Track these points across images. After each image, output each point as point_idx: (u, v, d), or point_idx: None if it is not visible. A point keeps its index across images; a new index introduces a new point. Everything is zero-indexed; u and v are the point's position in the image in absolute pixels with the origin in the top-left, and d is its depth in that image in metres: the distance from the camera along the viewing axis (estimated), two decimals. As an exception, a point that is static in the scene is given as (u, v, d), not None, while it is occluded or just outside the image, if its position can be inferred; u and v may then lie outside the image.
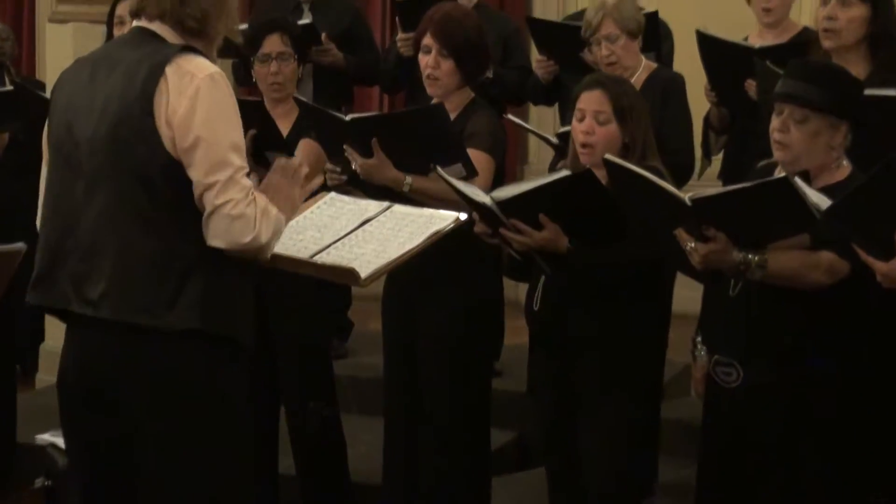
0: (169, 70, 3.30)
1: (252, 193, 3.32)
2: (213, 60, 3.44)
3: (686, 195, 3.66)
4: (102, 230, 3.34)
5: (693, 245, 3.70)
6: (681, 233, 3.72)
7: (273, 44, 5.09)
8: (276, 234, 3.40)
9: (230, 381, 3.44)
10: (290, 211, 3.52)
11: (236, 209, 3.27)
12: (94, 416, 3.42)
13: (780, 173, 3.90)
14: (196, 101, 3.27)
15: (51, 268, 3.45)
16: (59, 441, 4.17)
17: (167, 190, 3.30)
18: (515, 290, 5.63)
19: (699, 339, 4.11)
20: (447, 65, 4.63)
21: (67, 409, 3.51)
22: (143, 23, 3.44)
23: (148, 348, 3.34)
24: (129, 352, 3.35)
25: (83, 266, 3.37)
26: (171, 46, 3.36)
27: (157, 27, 3.41)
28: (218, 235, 3.29)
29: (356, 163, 4.51)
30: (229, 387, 3.44)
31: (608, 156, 3.91)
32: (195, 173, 3.27)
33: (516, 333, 5.45)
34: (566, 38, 5.58)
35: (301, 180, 3.57)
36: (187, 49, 3.36)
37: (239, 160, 3.32)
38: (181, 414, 3.36)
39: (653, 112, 4.89)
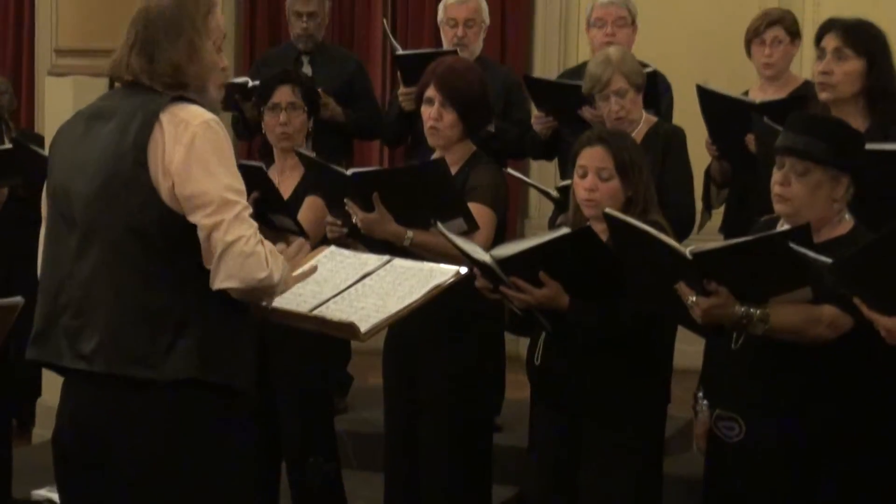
0: (164, 118, 3.29)
1: (259, 234, 3.29)
2: (210, 104, 3.43)
3: (687, 249, 3.64)
4: (96, 284, 3.32)
5: (694, 299, 3.68)
6: (682, 287, 3.70)
7: (283, 94, 5.11)
8: (285, 279, 3.37)
9: (228, 432, 3.41)
10: (289, 280, 3.47)
11: (248, 246, 3.24)
12: (89, 471, 3.39)
13: (782, 227, 3.89)
14: (192, 147, 3.25)
15: (47, 324, 3.43)
16: (55, 496, 4.12)
17: (162, 241, 3.28)
18: (516, 345, 5.62)
19: (700, 394, 4.08)
20: (450, 116, 4.63)
21: (62, 464, 3.48)
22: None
23: (143, 401, 3.30)
24: (124, 406, 3.32)
25: (77, 321, 3.35)
26: (164, 96, 3.34)
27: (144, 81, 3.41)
28: (232, 274, 3.24)
29: (357, 217, 4.50)
30: (228, 438, 3.40)
31: (608, 210, 3.91)
32: (200, 217, 3.25)
33: (517, 388, 5.44)
34: (565, 96, 5.59)
35: (297, 267, 3.55)
36: (180, 98, 3.35)
37: (242, 200, 3.30)
38: (179, 467, 3.32)
39: (654, 166, 4.89)
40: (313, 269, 3.65)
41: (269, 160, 5.18)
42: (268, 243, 3.33)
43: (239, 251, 3.23)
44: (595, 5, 6.06)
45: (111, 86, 5.25)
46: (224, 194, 3.25)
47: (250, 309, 3.47)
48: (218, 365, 3.34)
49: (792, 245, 3.51)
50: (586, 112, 5.37)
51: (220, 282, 3.27)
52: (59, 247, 3.42)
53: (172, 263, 3.29)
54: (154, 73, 3.37)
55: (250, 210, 3.32)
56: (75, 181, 3.38)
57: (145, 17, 3.40)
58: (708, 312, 3.67)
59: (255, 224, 3.30)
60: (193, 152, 3.25)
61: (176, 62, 3.37)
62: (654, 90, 5.57)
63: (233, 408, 3.41)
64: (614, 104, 5.13)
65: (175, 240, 3.28)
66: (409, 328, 4.31)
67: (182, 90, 3.38)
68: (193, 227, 3.28)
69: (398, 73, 6.27)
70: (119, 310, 3.30)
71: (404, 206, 4.45)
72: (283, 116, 5.09)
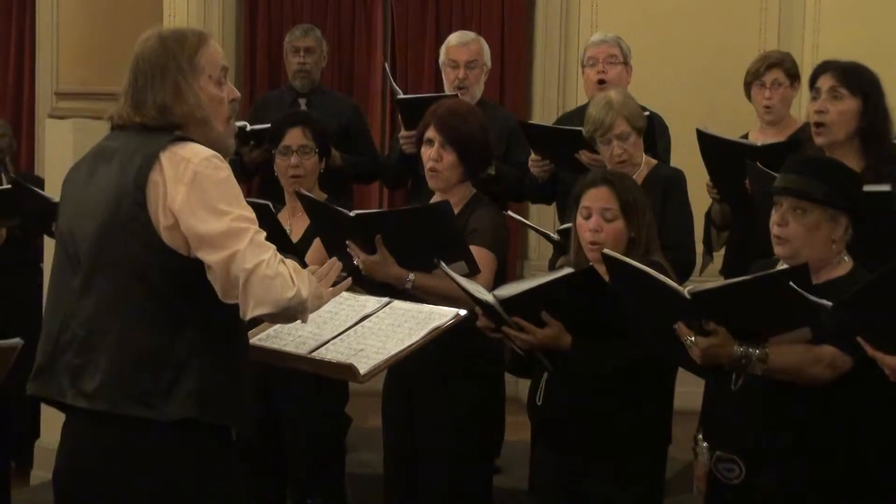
0: (163, 157, 3.29)
1: (278, 254, 3.28)
2: (217, 139, 3.43)
3: (685, 289, 3.64)
4: (99, 323, 3.33)
5: (693, 339, 3.67)
6: (681, 326, 3.70)
7: (294, 137, 5.13)
8: (313, 294, 3.34)
9: (228, 471, 3.41)
10: (316, 302, 3.45)
11: (270, 269, 3.22)
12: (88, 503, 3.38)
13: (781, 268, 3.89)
14: (194, 185, 3.25)
15: (50, 360, 3.43)
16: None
17: (162, 282, 3.29)
18: (515, 386, 5.61)
19: (700, 436, 4.07)
20: (449, 158, 4.63)
21: (61, 497, 3.47)
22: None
23: (143, 441, 3.30)
24: (124, 444, 3.31)
25: (79, 359, 3.35)
26: (165, 136, 3.35)
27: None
28: (260, 301, 3.22)
29: (358, 259, 4.49)
30: (227, 478, 3.40)
31: (606, 251, 3.91)
32: (211, 255, 3.23)
33: (517, 429, 5.41)
34: (562, 141, 5.60)
35: (330, 283, 3.55)
36: (181, 138, 3.35)
37: (253, 225, 3.28)
38: (177, 499, 3.32)
39: (654, 208, 4.89)
40: (348, 283, 3.64)
41: (272, 201, 5.18)
42: (289, 261, 3.31)
43: (262, 276, 3.21)
44: (588, 45, 6.09)
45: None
46: (231, 226, 3.24)
47: (248, 350, 3.47)
48: (217, 406, 3.33)
49: (791, 284, 3.52)
50: (583, 156, 5.39)
51: (251, 311, 3.25)
52: (64, 286, 3.42)
53: (173, 304, 3.30)
54: (143, 118, 3.38)
55: (264, 233, 3.30)
56: (79, 221, 3.39)
57: (135, 66, 3.44)
58: (706, 352, 3.67)
59: (271, 246, 3.28)
60: (195, 190, 3.25)
61: (161, 103, 3.38)
62: (651, 133, 5.58)
63: (230, 447, 3.41)
64: (617, 148, 5.14)
65: (175, 280, 3.28)
66: (408, 370, 4.30)
67: (178, 129, 3.38)
68: (193, 267, 3.27)
69: (399, 117, 6.28)
70: (121, 349, 3.29)
71: (406, 248, 4.44)
72: (295, 159, 5.10)
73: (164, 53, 3.42)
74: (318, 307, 3.48)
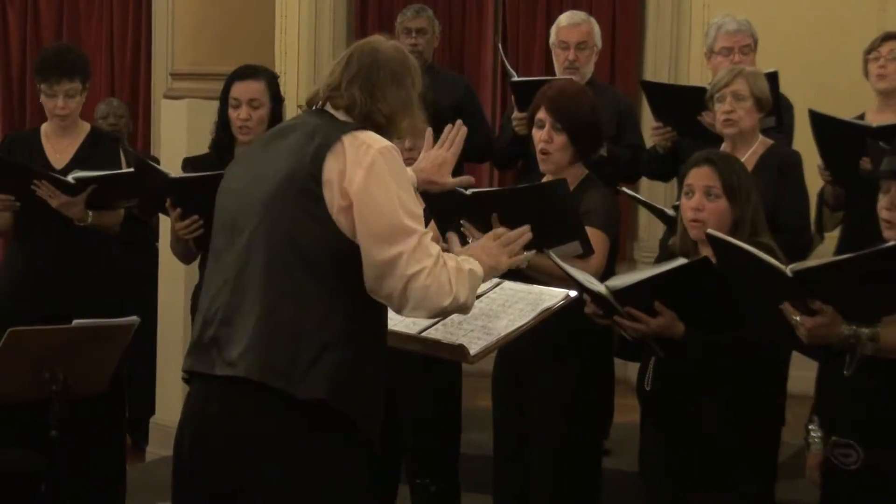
0: (346, 139, 3.33)
1: (441, 257, 3.32)
2: None
3: (788, 267, 3.59)
4: (252, 291, 3.34)
5: (799, 319, 3.62)
6: (787, 307, 3.65)
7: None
8: (474, 289, 3.39)
9: (348, 462, 3.40)
10: (489, 273, 3.54)
11: (430, 277, 3.27)
12: (207, 484, 3.40)
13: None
14: (372, 170, 3.28)
15: (201, 334, 3.45)
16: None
17: (322, 259, 3.30)
18: (625, 369, 5.58)
19: (813, 425, 4.01)
20: (560, 139, 4.61)
21: (179, 476, 3.49)
22: (328, 108, 3.49)
23: (272, 413, 3.31)
24: (254, 411, 3.32)
25: (227, 328, 3.37)
26: (349, 122, 3.41)
27: (341, 115, 3.46)
28: (417, 306, 3.29)
29: (473, 237, 4.48)
30: (346, 468, 3.39)
31: (710, 230, 3.87)
32: (379, 249, 3.27)
33: (626, 411, 5.40)
34: (683, 100, 5.52)
35: (514, 252, 3.63)
36: (363, 127, 3.40)
37: (421, 226, 3.32)
38: (296, 485, 3.33)
39: (769, 189, 4.84)
40: (526, 257, 3.76)
41: None
42: (451, 261, 3.35)
43: (421, 285, 3.27)
44: (720, 34, 5.99)
45: (223, 114, 5.36)
46: (404, 221, 3.28)
47: (387, 346, 3.48)
48: (349, 394, 3.34)
49: None
50: (706, 117, 5.31)
51: (408, 311, 3.33)
52: (222, 259, 3.45)
53: (328, 283, 3.31)
54: (370, 111, 3.44)
55: (430, 234, 3.34)
56: (248, 190, 3.42)
57: (374, 58, 3.48)
58: (813, 332, 3.62)
59: (435, 249, 3.32)
60: (374, 175, 3.28)
61: (395, 109, 3.46)
62: (777, 93, 5.46)
63: (353, 440, 3.40)
64: (728, 105, 5.07)
65: (335, 260, 3.30)
66: (517, 351, 4.30)
67: (380, 134, 3.43)
68: (356, 251, 3.30)
69: (512, 99, 6.27)
70: (269, 319, 3.31)
71: (522, 226, 4.43)
72: (409, 142, 5.09)
73: (404, 67, 3.52)
74: (492, 277, 3.57)
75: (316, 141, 3.34)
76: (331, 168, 3.29)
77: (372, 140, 3.34)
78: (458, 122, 3.75)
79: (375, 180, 3.28)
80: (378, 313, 3.41)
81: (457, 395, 5.09)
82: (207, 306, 3.45)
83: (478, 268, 3.45)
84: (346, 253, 3.29)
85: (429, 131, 3.80)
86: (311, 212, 3.29)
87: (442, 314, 3.33)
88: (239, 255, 3.38)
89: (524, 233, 3.65)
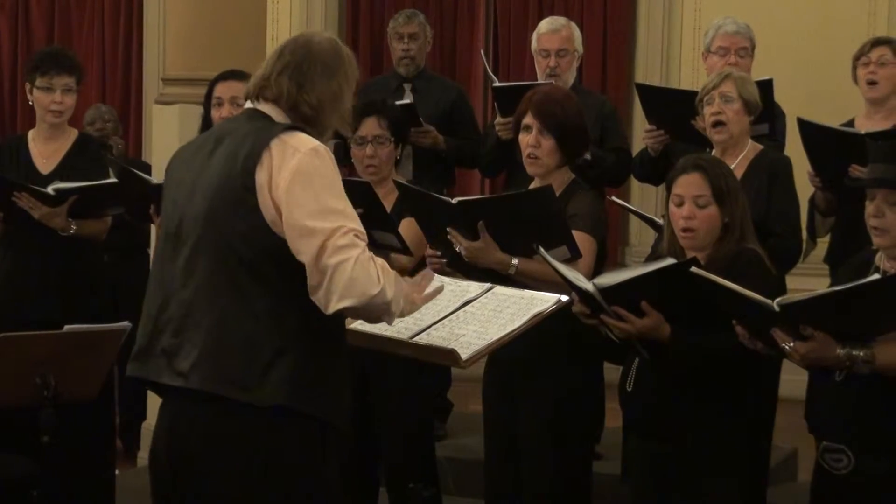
0: (273, 145, 3.33)
1: (368, 252, 3.30)
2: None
3: (774, 301, 3.59)
4: (198, 303, 3.36)
5: (792, 345, 3.63)
6: (777, 333, 3.65)
7: (369, 127, 5.10)
8: (399, 294, 3.36)
9: (320, 461, 3.41)
10: (407, 308, 3.49)
11: (357, 265, 3.24)
12: (182, 490, 3.42)
13: (880, 260, 3.84)
14: (297, 172, 3.29)
15: (149, 341, 3.47)
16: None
17: (266, 266, 3.31)
18: (616, 373, 5.58)
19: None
20: (548, 143, 4.63)
21: (156, 484, 3.51)
22: (256, 105, 3.49)
23: (237, 423, 3.33)
24: (217, 427, 3.34)
25: (177, 339, 3.39)
26: (278, 125, 3.40)
27: (269, 109, 3.46)
28: (344, 294, 3.25)
29: (461, 246, 4.50)
30: (319, 467, 3.41)
31: (694, 269, 3.85)
32: (306, 243, 3.27)
33: (617, 416, 5.40)
34: (677, 104, 5.53)
35: (423, 291, 3.56)
36: (293, 127, 3.40)
37: (346, 222, 3.30)
38: (267, 492, 3.34)
39: (759, 194, 4.85)
40: (439, 290, 3.64)
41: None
42: (378, 260, 3.33)
43: (347, 271, 3.24)
44: (718, 34, 5.99)
45: (206, 116, 5.36)
46: (330, 218, 3.27)
47: (346, 341, 3.48)
48: (310, 395, 3.35)
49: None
50: (700, 121, 5.31)
51: (334, 304, 3.27)
52: (166, 266, 3.46)
53: (276, 289, 3.32)
54: (297, 101, 3.44)
55: (356, 229, 3.32)
56: (186, 200, 3.43)
57: (305, 50, 3.48)
58: (807, 357, 3.63)
59: (362, 242, 3.30)
60: (297, 175, 3.29)
61: (321, 100, 3.46)
62: (770, 100, 5.48)
63: (325, 438, 3.41)
64: (716, 106, 5.06)
65: (279, 267, 3.31)
66: (509, 355, 4.30)
67: (310, 128, 3.44)
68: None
69: (495, 104, 6.27)
70: (219, 330, 3.33)
71: (509, 233, 4.45)
72: (370, 149, 5.08)
73: (336, 58, 3.50)
74: (410, 312, 3.51)
75: (245, 148, 3.35)
76: (260, 176, 3.31)
77: (300, 143, 3.34)
78: (427, 271, 3.73)
79: (298, 179, 3.29)
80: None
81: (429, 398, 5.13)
82: (156, 314, 3.45)
83: (401, 283, 3.41)
84: (287, 257, 3.30)
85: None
86: (248, 220, 3.31)
87: (369, 304, 3.26)
88: (184, 268, 3.40)
89: (425, 276, 3.60)
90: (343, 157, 6.20)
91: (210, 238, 3.36)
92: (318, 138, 3.45)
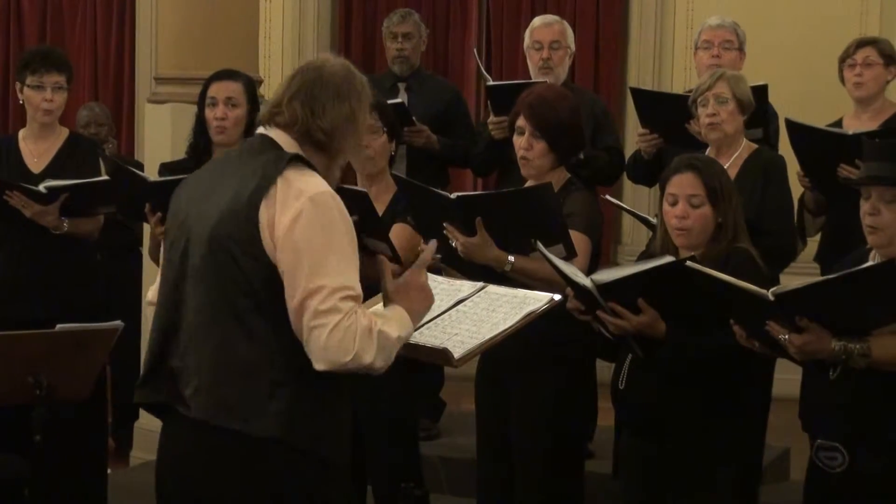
0: (280, 184, 3.29)
1: (353, 314, 3.25)
2: (333, 176, 3.45)
3: (769, 291, 3.60)
4: (201, 329, 3.35)
5: (787, 337, 3.63)
6: (773, 326, 3.66)
7: None
8: (384, 349, 3.31)
9: (319, 492, 3.38)
10: (417, 317, 3.48)
11: (332, 334, 3.22)
12: None
13: (874, 259, 3.84)
14: (297, 222, 3.25)
15: (156, 365, 3.46)
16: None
17: (268, 299, 3.29)
18: (608, 372, 5.59)
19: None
20: (539, 146, 4.62)
21: (160, 499, 3.51)
22: (269, 131, 3.45)
23: (236, 451, 3.32)
24: (219, 453, 3.33)
25: (180, 363, 3.39)
26: (286, 157, 3.34)
27: (281, 137, 3.42)
28: (318, 358, 3.25)
29: (457, 241, 4.49)
30: (319, 498, 3.38)
31: (690, 263, 3.86)
32: (291, 295, 3.25)
33: (609, 415, 5.40)
34: (671, 108, 5.54)
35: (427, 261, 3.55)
36: (299, 160, 3.35)
37: (337, 280, 3.26)
38: None
39: (753, 193, 4.86)
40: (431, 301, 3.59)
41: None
42: (364, 319, 3.27)
43: (322, 338, 3.22)
44: (703, 28, 6.05)
45: (200, 115, 5.36)
46: (318, 276, 3.23)
47: (346, 380, 3.43)
48: (305, 430, 3.33)
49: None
50: (694, 125, 5.32)
51: (313, 363, 3.27)
52: (174, 289, 3.44)
53: (276, 320, 3.29)
54: (310, 127, 3.40)
55: (343, 288, 3.26)
56: (197, 220, 3.41)
57: (317, 74, 3.43)
58: (802, 349, 3.63)
59: (346, 305, 3.24)
60: (298, 225, 3.25)
61: (335, 125, 3.40)
62: (765, 105, 5.50)
63: (323, 468, 3.38)
64: (711, 107, 5.08)
65: (280, 298, 3.28)
66: (501, 354, 4.30)
67: (321, 153, 3.41)
68: None
69: (488, 103, 6.27)
70: (219, 359, 3.31)
71: (505, 230, 4.45)
72: (365, 140, 5.06)
73: (348, 82, 3.46)
74: (427, 308, 3.51)
75: (253, 182, 3.31)
76: (264, 213, 3.28)
77: (306, 185, 3.29)
78: (433, 243, 3.72)
79: (299, 231, 3.25)
80: None
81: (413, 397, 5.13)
82: (161, 340, 3.44)
83: (392, 330, 3.35)
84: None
85: (432, 244, 3.73)
86: (251, 252, 3.28)
87: (343, 369, 3.26)
88: (190, 293, 3.39)
89: (432, 249, 3.62)
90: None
91: (212, 265, 3.33)
92: (331, 163, 3.44)
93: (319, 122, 3.39)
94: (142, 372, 3.51)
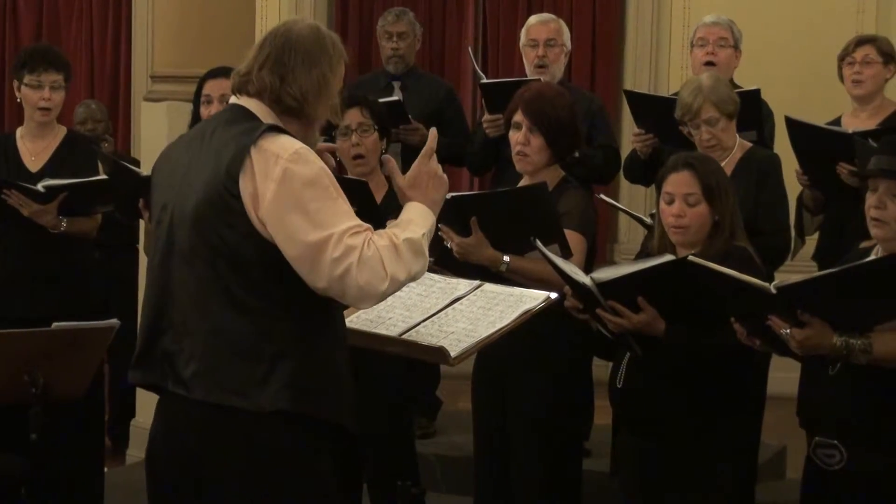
0: (254, 152, 3.26)
1: (367, 244, 3.23)
2: (311, 140, 3.42)
3: (772, 284, 3.60)
4: (194, 309, 3.33)
5: (789, 331, 3.63)
6: (774, 320, 3.65)
7: (352, 116, 5.05)
8: (417, 253, 3.30)
9: (323, 463, 3.39)
10: (435, 208, 3.45)
11: (359, 272, 3.20)
12: (180, 492, 3.39)
13: (877, 253, 3.84)
14: (283, 183, 3.22)
15: (148, 346, 3.44)
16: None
17: (258, 271, 3.27)
18: (605, 370, 5.59)
19: None
20: (537, 141, 4.63)
21: (154, 485, 3.49)
22: (240, 100, 3.43)
23: (237, 429, 3.30)
24: (218, 432, 3.32)
25: (176, 345, 3.37)
26: (259, 126, 3.32)
27: (253, 105, 3.40)
28: (360, 298, 3.25)
29: (452, 242, 4.49)
30: (322, 469, 3.38)
31: (691, 258, 3.86)
32: (300, 265, 3.23)
33: (606, 413, 5.40)
34: (665, 110, 5.55)
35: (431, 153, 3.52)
36: (273, 129, 3.33)
37: (342, 224, 3.23)
38: (268, 495, 3.32)
39: (748, 192, 4.86)
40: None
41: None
42: (380, 239, 3.25)
43: (353, 283, 3.20)
44: (699, 25, 6.05)
45: (195, 114, 5.35)
46: (321, 228, 3.22)
47: (346, 338, 3.45)
48: (312, 398, 3.31)
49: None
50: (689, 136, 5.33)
51: (356, 305, 3.32)
52: (160, 271, 3.43)
53: (269, 294, 3.28)
54: (279, 94, 3.37)
55: (354, 228, 3.24)
56: (174, 203, 3.39)
57: (284, 40, 3.40)
58: (803, 344, 3.62)
59: (359, 239, 3.23)
60: (284, 189, 3.22)
61: (305, 91, 3.38)
62: (758, 109, 5.51)
63: (326, 439, 3.38)
64: (705, 133, 5.10)
65: (271, 270, 3.26)
66: (498, 352, 4.30)
67: (294, 119, 3.39)
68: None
69: (482, 100, 6.27)
70: (216, 338, 3.29)
71: (501, 230, 4.44)
72: (355, 137, 5.04)
73: (318, 45, 3.42)
74: (443, 196, 3.48)
75: (229, 154, 3.28)
76: (244, 185, 3.25)
77: (280, 148, 3.27)
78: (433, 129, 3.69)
79: (285, 197, 3.22)
80: (327, 312, 3.37)
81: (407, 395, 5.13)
82: (153, 319, 3.43)
83: (414, 232, 3.33)
84: (278, 261, 3.26)
85: (433, 131, 3.69)
86: (236, 227, 3.26)
87: (385, 297, 3.28)
88: (177, 274, 3.37)
89: (434, 136, 3.57)
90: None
91: (199, 244, 3.31)
92: (307, 129, 3.42)
93: (289, 88, 3.37)
94: (135, 352, 3.49)
